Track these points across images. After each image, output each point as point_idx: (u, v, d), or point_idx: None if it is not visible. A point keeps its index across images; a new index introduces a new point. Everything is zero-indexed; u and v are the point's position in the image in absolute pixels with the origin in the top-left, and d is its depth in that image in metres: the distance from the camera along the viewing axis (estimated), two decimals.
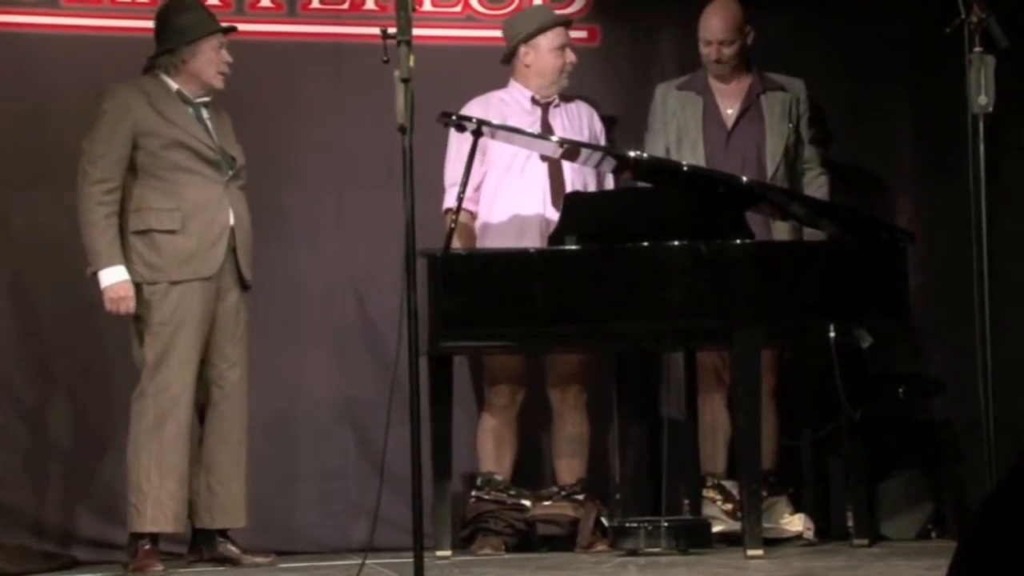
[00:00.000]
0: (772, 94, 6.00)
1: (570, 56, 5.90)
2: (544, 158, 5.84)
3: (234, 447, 5.39)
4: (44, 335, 5.89)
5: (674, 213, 5.47)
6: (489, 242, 5.83)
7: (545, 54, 5.89)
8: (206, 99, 5.45)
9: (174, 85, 5.40)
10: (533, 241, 5.75)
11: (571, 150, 5.67)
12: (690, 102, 5.98)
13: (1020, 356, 5.53)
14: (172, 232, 5.29)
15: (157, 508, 5.21)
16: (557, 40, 5.89)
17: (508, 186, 5.85)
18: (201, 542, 5.45)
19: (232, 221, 5.35)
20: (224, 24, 5.49)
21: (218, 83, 5.43)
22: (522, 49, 5.92)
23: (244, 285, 5.42)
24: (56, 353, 5.90)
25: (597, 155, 5.76)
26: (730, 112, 5.98)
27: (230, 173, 5.38)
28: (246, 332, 5.45)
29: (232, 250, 5.36)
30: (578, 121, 5.98)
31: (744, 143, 5.92)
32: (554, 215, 5.76)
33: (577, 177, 5.87)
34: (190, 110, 5.40)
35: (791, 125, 5.97)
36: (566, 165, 5.85)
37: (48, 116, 5.90)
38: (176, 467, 5.23)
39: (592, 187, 5.92)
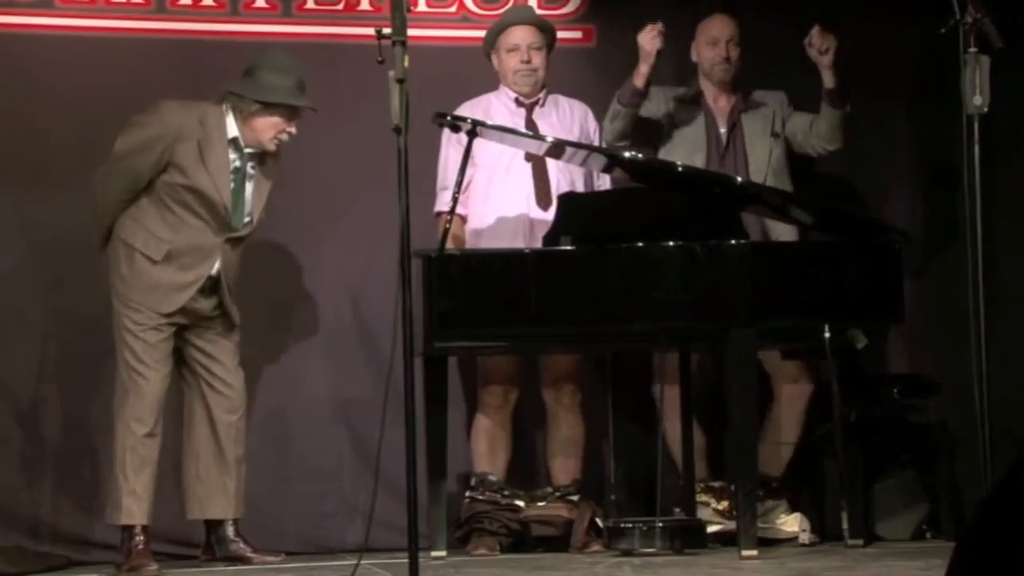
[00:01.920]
0: (752, 112, 6.00)
1: (523, 55, 5.89)
2: (529, 157, 5.84)
3: (221, 441, 5.41)
4: (39, 335, 5.88)
5: (669, 214, 5.46)
6: (483, 243, 5.82)
7: (503, 56, 5.93)
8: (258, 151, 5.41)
9: (233, 130, 5.36)
10: (520, 241, 5.75)
11: (555, 148, 5.67)
12: (691, 115, 5.98)
13: (1015, 357, 5.54)
14: (152, 261, 5.30)
15: (132, 499, 5.25)
16: (509, 41, 5.91)
17: (496, 186, 5.85)
18: (213, 542, 5.49)
19: (214, 271, 5.35)
20: (305, 104, 5.38)
21: (271, 147, 5.40)
22: (492, 56, 5.96)
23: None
24: (51, 353, 5.89)
25: (585, 153, 5.74)
26: (723, 131, 5.99)
27: (239, 232, 5.39)
28: (229, 329, 5.44)
29: (214, 292, 5.35)
30: (569, 120, 5.96)
31: (735, 161, 5.93)
32: (539, 214, 5.76)
33: (563, 176, 5.86)
34: (235, 158, 5.37)
35: (776, 135, 5.96)
36: (551, 164, 5.84)
37: (43, 116, 5.89)
38: (148, 462, 5.27)
39: (580, 186, 5.91)
